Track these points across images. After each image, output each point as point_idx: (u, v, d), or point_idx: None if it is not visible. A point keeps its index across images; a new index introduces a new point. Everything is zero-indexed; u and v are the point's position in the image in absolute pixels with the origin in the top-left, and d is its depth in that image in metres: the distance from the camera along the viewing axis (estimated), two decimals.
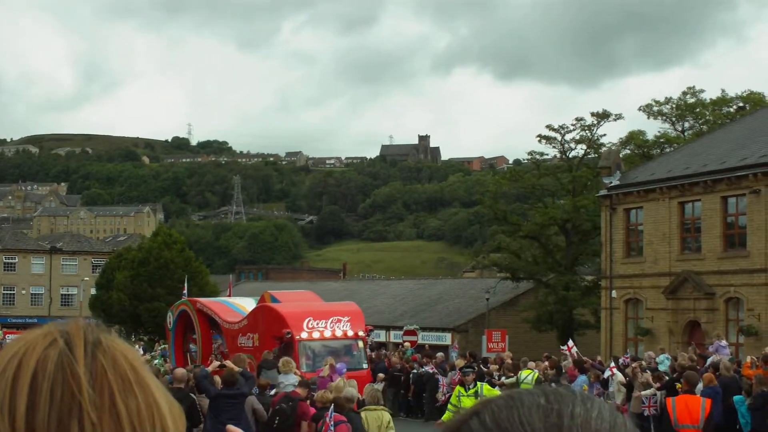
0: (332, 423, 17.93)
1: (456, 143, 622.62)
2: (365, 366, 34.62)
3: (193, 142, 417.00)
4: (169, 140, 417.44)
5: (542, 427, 1.36)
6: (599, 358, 41.78)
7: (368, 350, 37.52)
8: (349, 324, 34.42)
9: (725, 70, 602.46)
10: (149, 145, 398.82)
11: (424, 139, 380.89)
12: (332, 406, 18.56)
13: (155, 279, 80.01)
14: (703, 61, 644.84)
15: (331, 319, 34.22)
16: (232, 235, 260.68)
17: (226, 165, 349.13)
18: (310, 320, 33.68)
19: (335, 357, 32.42)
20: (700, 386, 24.54)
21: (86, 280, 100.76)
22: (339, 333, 34.00)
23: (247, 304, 38.94)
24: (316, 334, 33.44)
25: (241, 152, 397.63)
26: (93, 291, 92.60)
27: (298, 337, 32.89)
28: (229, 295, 48.15)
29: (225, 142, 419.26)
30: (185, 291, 54.78)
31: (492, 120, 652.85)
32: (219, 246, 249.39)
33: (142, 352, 50.13)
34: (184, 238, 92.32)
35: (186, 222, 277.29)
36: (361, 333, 34.74)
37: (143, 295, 79.57)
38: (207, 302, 41.82)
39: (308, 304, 37.32)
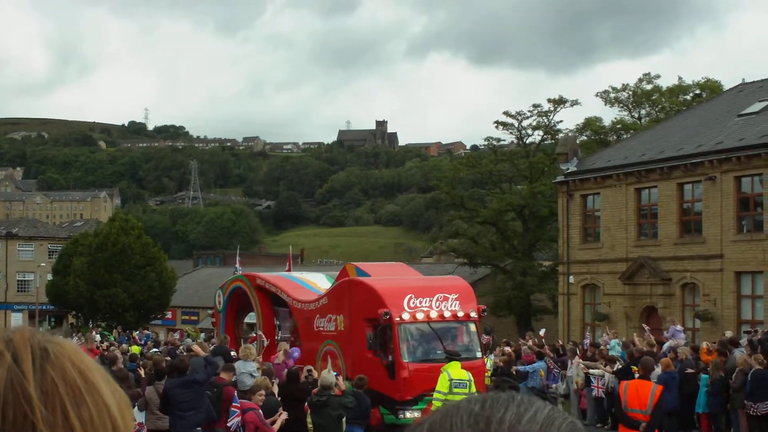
0: (239, 410, 17.54)
1: (424, 128, 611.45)
2: (479, 354, 28.63)
3: (150, 127, 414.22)
4: (126, 125, 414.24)
5: None
6: (560, 341, 42.06)
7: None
8: (458, 303, 28.35)
9: (702, 57, 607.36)
10: (105, 129, 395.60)
11: (381, 124, 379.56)
12: (236, 393, 18.09)
13: (112, 265, 79.71)
14: (680, 48, 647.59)
15: (436, 297, 28.20)
16: (189, 220, 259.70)
17: (183, 150, 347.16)
18: (411, 298, 27.82)
19: (443, 342, 27.76)
20: (657, 371, 24.76)
21: (43, 266, 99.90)
22: (447, 314, 28.02)
23: (318, 280, 34.40)
24: (420, 315, 27.60)
25: (198, 137, 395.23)
26: (49, 277, 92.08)
27: (398, 318, 27.27)
28: (289, 270, 41.23)
29: (182, 127, 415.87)
30: (239, 265, 46.24)
31: (466, 105, 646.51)
32: (176, 231, 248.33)
33: (99, 338, 49.63)
34: (141, 223, 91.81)
35: (143, 207, 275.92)
36: (473, 314, 28.56)
37: (100, 281, 79.28)
38: (270, 278, 36.32)
39: (406, 278, 31.75)
